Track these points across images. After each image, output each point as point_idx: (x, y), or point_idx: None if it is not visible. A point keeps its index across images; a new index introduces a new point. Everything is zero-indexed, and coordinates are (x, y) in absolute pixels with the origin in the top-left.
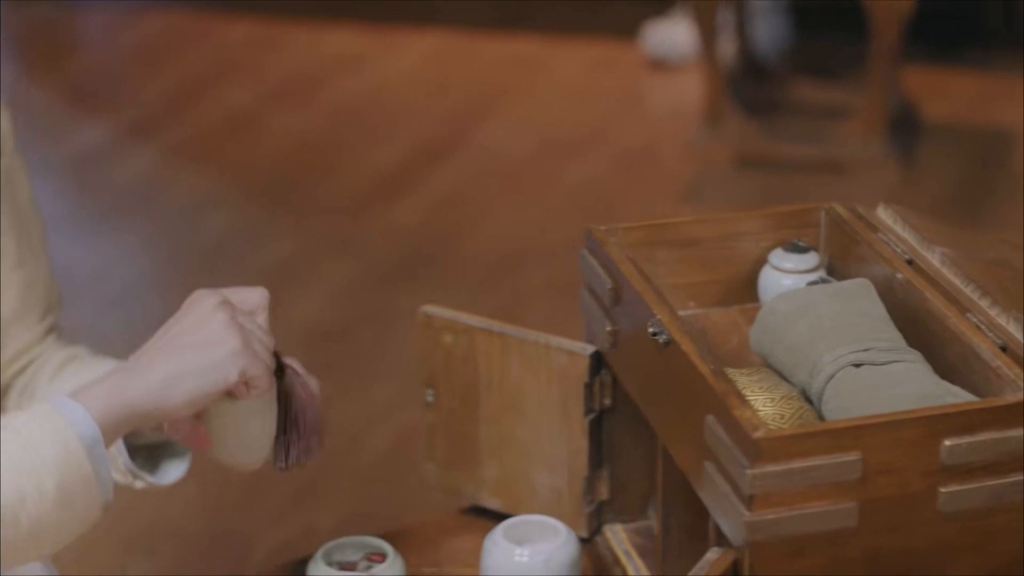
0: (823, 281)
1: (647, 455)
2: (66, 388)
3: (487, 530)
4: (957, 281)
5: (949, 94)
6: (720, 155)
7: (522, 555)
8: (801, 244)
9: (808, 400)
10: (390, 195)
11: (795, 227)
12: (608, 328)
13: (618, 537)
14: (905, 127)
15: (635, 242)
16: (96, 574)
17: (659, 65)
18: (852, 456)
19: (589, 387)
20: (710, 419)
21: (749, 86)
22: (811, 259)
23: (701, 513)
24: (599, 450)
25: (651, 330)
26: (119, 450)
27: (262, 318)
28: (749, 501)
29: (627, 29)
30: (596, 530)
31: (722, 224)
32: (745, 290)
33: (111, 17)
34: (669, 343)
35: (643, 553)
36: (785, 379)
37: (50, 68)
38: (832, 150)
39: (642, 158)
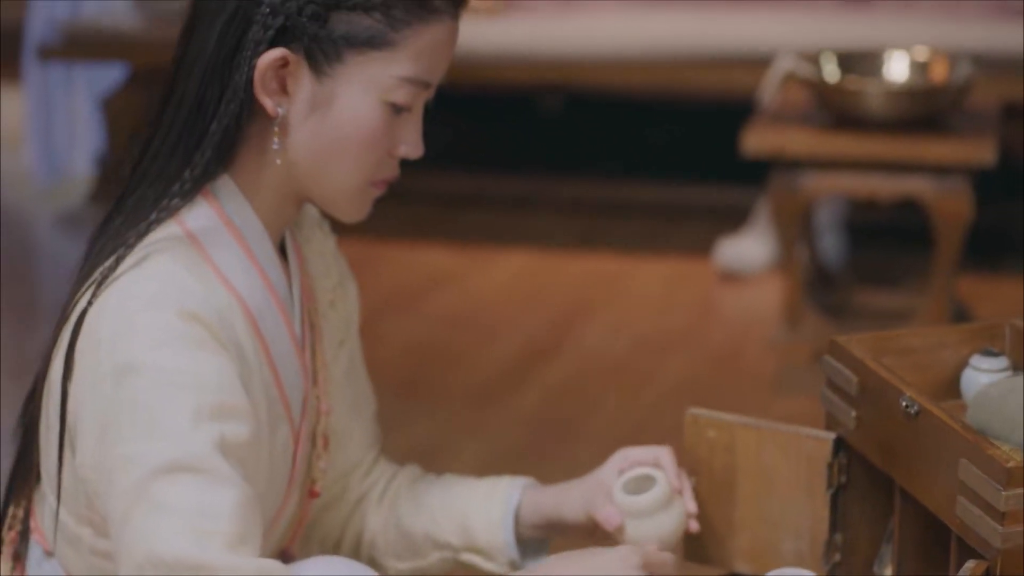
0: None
1: (872, 524)
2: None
3: None
4: None
5: (996, 298)
6: (800, 352)
7: None
8: (994, 350)
9: None
10: (508, 387)
11: (987, 339)
12: (853, 414)
13: None
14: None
15: (866, 350)
16: None
17: (730, 277)
18: None
19: (831, 467)
20: (963, 461)
21: (820, 293)
22: (1003, 362)
23: (929, 560)
24: (836, 520)
25: (904, 404)
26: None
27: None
28: (1002, 518)
29: (699, 246)
30: None
31: (932, 336)
32: (949, 388)
33: None
34: (919, 412)
35: None
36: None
37: None
38: None
39: (728, 357)
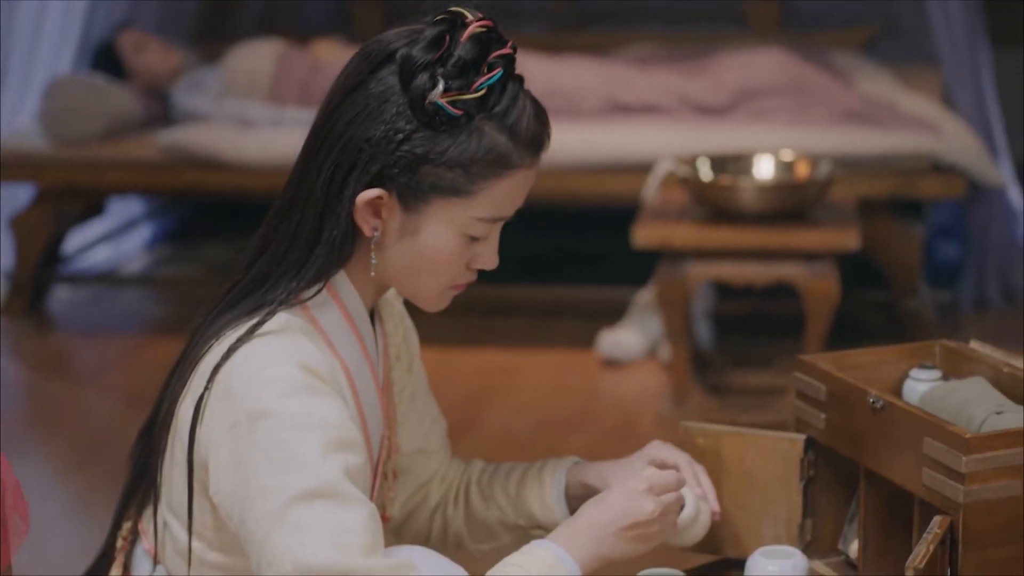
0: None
1: (836, 509)
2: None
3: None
4: None
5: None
6: None
7: (781, 567)
8: (929, 365)
9: None
10: None
11: (921, 356)
12: (823, 416)
13: (821, 568)
14: None
15: (830, 365)
16: None
17: (611, 364)
18: (1017, 450)
19: (803, 463)
20: (927, 439)
21: (697, 374)
22: (936, 373)
23: (890, 531)
24: (807, 507)
25: (871, 401)
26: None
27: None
28: (963, 479)
29: (582, 339)
30: None
31: (877, 355)
32: (894, 395)
33: None
34: (884, 406)
35: (840, 572)
36: None
37: None
38: (783, 416)
39: (622, 432)
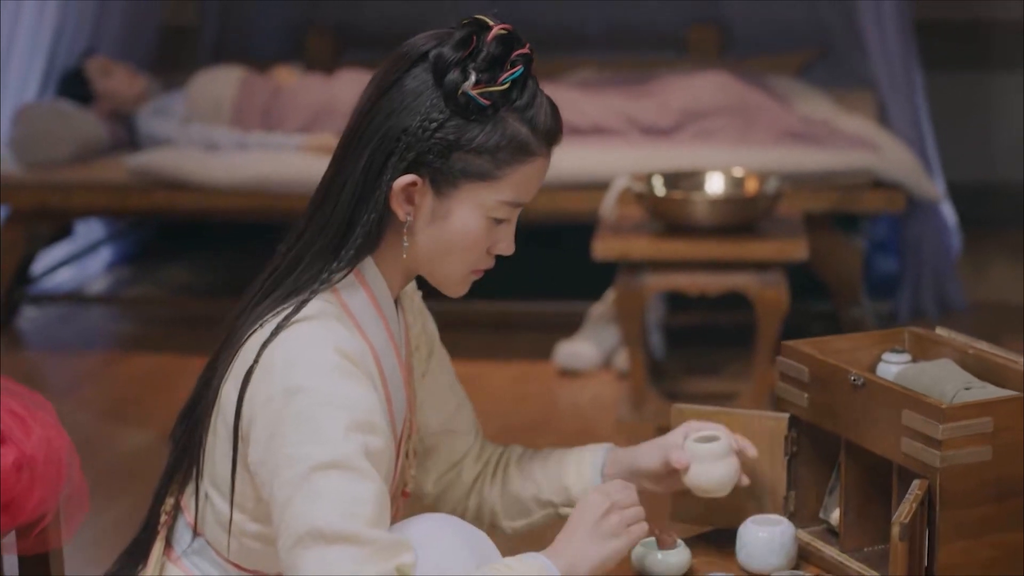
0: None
1: (817, 482)
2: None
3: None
4: (998, 351)
5: None
6: (645, 430)
7: (771, 533)
8: (900, 348)
9: None
10: None
11: (892, 342)
12: (806, 396)
13: (804, 535)
14: None
15: (812, 350)
16: None
17: (568, 374)
18: (987, 419)
19: (787, 439)
20: (906, 411)
21: (651, 382)
22: (907, 356)
23: (868, 498)
24: (791, 480)
25: (852, 379)
26: None
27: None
28: (940, 445)
29: (539, 351)
30: None
31: (852, 341)
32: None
33: None
34: (864, 384)
35: (823, 539)
36: None
37: None
38: None
39: (582, 435)
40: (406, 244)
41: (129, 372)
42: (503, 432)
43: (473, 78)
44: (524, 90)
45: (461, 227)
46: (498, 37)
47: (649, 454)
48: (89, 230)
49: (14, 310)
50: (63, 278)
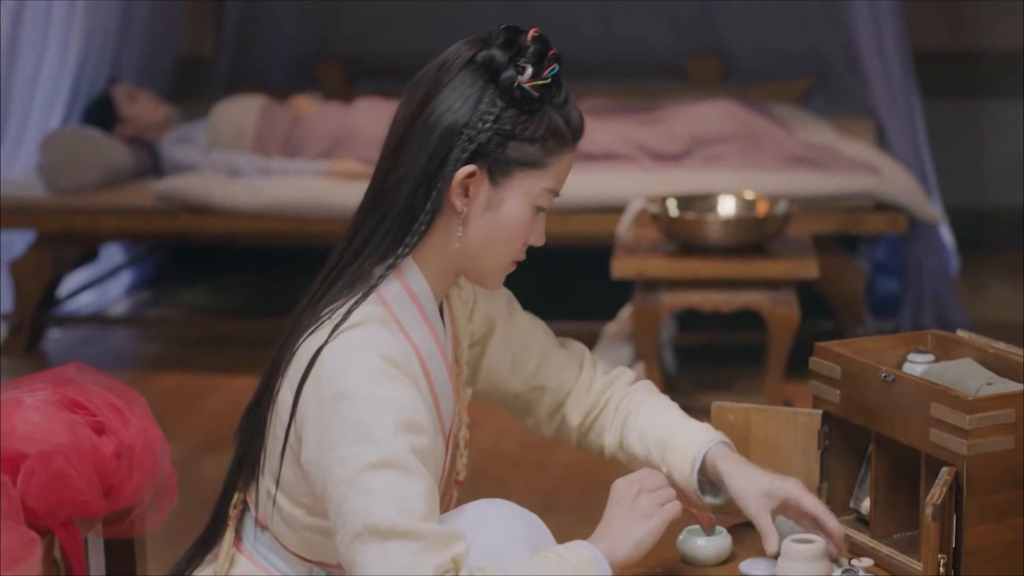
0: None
1: (847, 474)
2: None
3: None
4: (1017, 351)
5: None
6: None
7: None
8: (923, 349)
9: None
10: None
11: (916, 343)
12: (838, 393)
13: None
14: None
15: (844, 350)
16: None
17: None
18: (1010, 411)
19: (820, 434)
20: (934, 404)
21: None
22: (931, 356)
23: (897, 488)
24: (823, 472)
25: (883, 375)
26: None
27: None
28: (967, 435)
29: None
30: None
31: (878, 343)
32: None
33: None
34: (895, 380)
35: (854, 527)
36: None
37: None
38: None
39: None
40: (460, 234)
41: (152, 390)
42: (520, 448)
43: (529, 71)
44: (560, 87)
45: (510, 215)
46: (536, 37)
47: (741, 491)
48: (110, 255)
49: (40, 332)
50: (85, 301)
